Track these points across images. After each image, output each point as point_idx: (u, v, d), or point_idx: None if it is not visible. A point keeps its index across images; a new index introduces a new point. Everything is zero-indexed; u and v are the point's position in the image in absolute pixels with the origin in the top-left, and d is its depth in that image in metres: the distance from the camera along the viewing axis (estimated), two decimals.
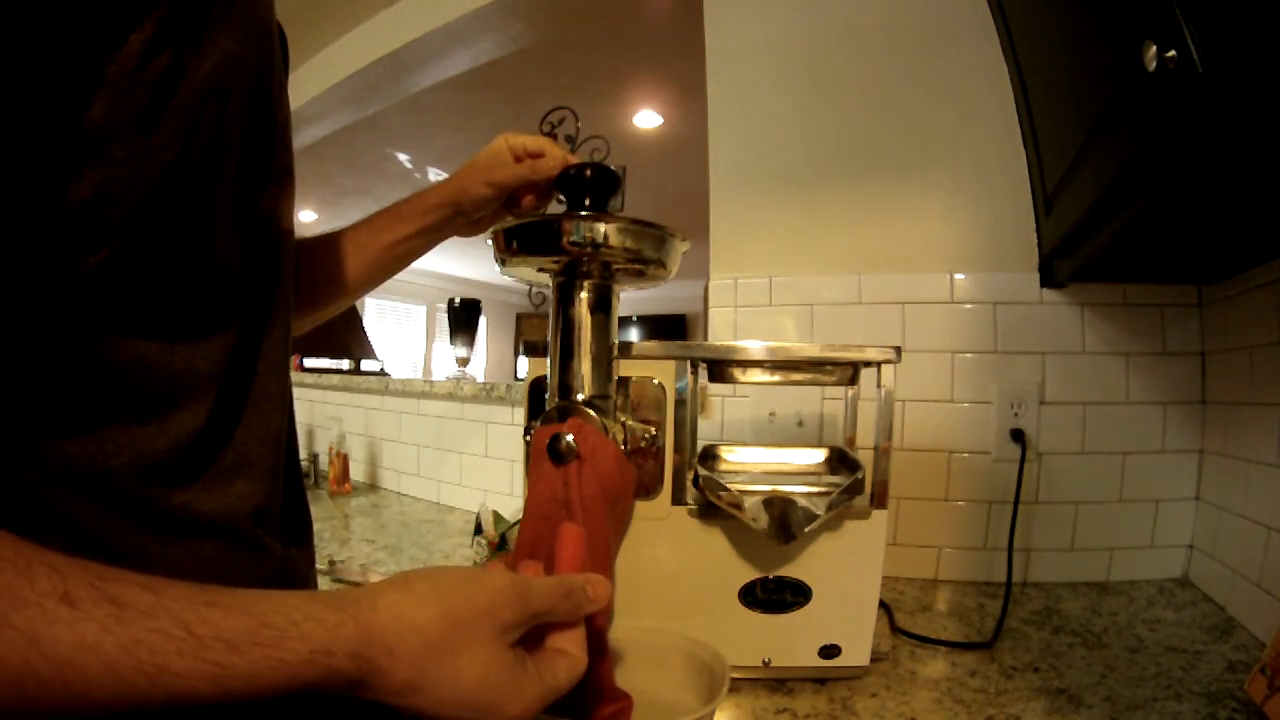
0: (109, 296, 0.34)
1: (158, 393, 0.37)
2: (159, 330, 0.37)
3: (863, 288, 1.05)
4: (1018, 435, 0.96)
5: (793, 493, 0.63)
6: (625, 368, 0.65)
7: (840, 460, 0.76)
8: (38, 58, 0.28)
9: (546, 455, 0.55)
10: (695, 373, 0.67)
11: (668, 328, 7.29)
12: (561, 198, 0.64)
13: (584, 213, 0.60)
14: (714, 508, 0.65)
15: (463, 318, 2.13)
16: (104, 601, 0.25)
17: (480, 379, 1.63)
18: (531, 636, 0.35)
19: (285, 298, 0.47)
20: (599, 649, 0.44)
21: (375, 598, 0.30)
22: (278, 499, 0.46)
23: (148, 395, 0.37)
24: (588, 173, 0.61)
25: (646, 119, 3.18)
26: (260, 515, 0.44)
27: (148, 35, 0.31)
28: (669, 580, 0.67)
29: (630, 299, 6.94)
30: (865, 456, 0.68)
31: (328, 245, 0.66)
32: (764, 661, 0.66)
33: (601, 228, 0.57)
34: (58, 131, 0.30)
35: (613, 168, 0.62)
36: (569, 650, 0.36)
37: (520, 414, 1.30)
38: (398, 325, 6.84)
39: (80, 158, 0.31)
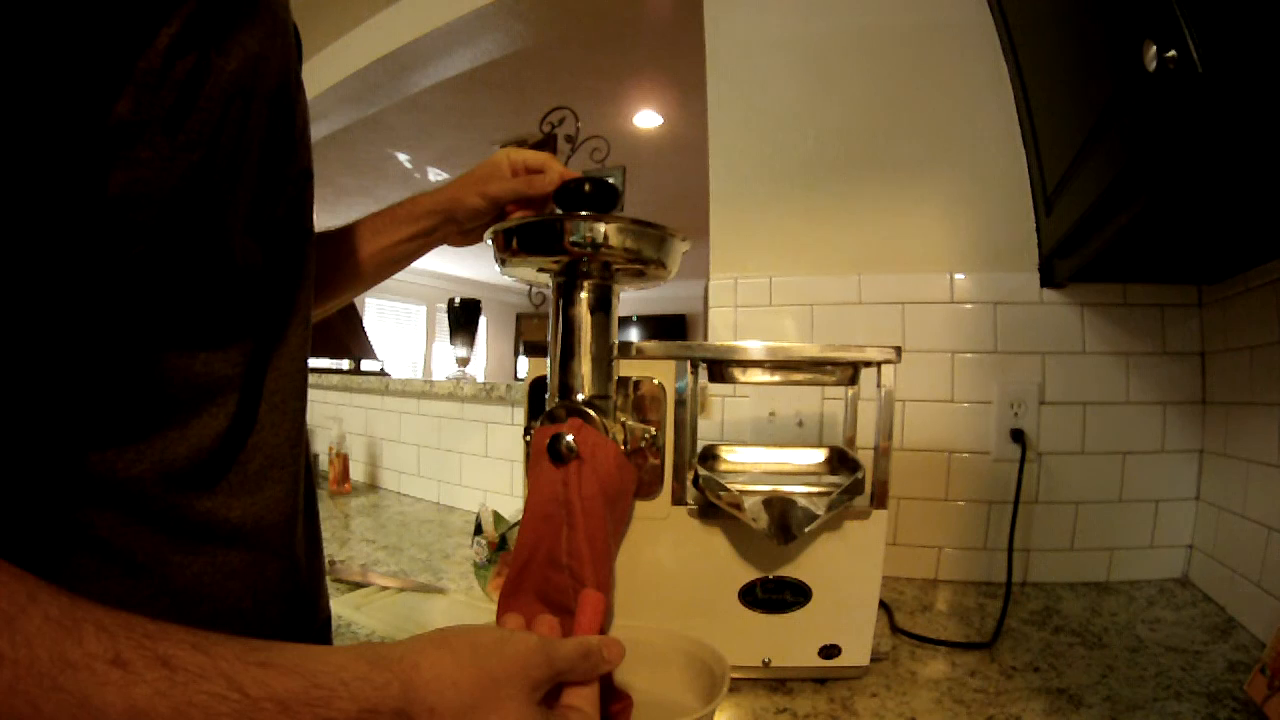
0: (129, 301, 0.34)
1: (178, 397, 0.36)
2: (178, 333, 0.36)
3: (863, 288, 1.05)
4: (1018, 435, 0.96)
5: (793, 493, 0.63)
6: (625, 368, 0.65)
7: (840, 460, 0.76)
8: (72, 49, 0.28)
9: (546, 455, 0.55)
10: (695, 373, 0.67)
11: (668, 328, 7.29)
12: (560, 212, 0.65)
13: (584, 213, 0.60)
14: (714, 508, 0.65)
15: (463, 318, 2.13)
16: (155, 663, 0.25)
17: (480, 379, 1.63)
18: (549, 693, 0.37)
19: (305, 298, 0.46)
20: None
21: (418, 655, 0.31)
22: (300, 505, 0.46)
23: (168, 400, 0.36)
24: (586, 187, 0.61)
25: (646, 119, 3.18)
26: (290, 523, 0.43)
27: (176, 31, 0.31)
28: (669, 580, 0.67)
29: (630, 299, 6.94)
30: (865, 456, 0.68)
31: (325, 244, 0.66)
32: (764, 661, 0.66)
33: (602, 228, 0.57)
34: (88, 129, 0.29)
35: (610, 180, 0.62)
36: (583, 708, 0.38)
37: (520, 414, 1.31)
38: (398, 325, 6.83)
39: (108, 158, 0.30)
